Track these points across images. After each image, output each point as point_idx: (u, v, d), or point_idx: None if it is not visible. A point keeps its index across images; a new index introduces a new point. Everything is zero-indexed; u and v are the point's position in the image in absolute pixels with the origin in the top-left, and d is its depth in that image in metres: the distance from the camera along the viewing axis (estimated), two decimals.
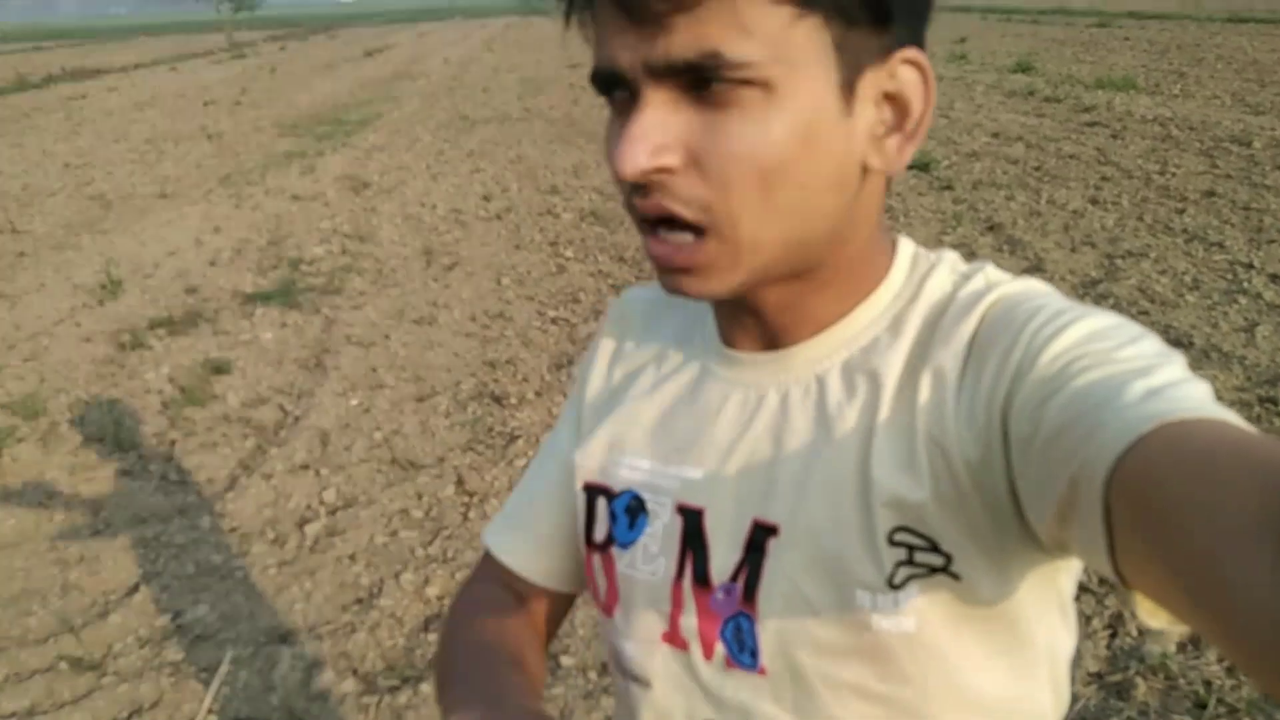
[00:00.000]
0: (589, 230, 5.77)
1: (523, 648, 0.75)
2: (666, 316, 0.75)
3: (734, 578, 0.63)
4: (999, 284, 0.60)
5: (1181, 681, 2.10)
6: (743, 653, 0.63)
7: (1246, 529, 0.35)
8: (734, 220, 0.53)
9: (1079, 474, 0.46)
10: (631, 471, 0.69)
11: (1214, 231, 4.93)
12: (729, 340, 0.68)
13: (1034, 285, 0.60)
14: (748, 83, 0.51)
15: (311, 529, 2.99)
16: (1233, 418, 0.44)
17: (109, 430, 3.64)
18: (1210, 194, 5.50)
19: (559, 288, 4.86)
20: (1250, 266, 4.44)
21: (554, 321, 4.47)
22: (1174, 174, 5.96)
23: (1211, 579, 0.36)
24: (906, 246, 0.66)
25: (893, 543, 0.57)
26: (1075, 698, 2.09)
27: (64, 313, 4.88)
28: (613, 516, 0.70)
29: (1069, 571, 0.62)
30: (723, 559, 0.64)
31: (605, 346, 0.78)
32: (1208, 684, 2.08)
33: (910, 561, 0.57)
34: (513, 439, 3.43)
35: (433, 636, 2.47)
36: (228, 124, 10.33)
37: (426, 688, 2.28)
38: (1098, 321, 0.54)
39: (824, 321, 0.63)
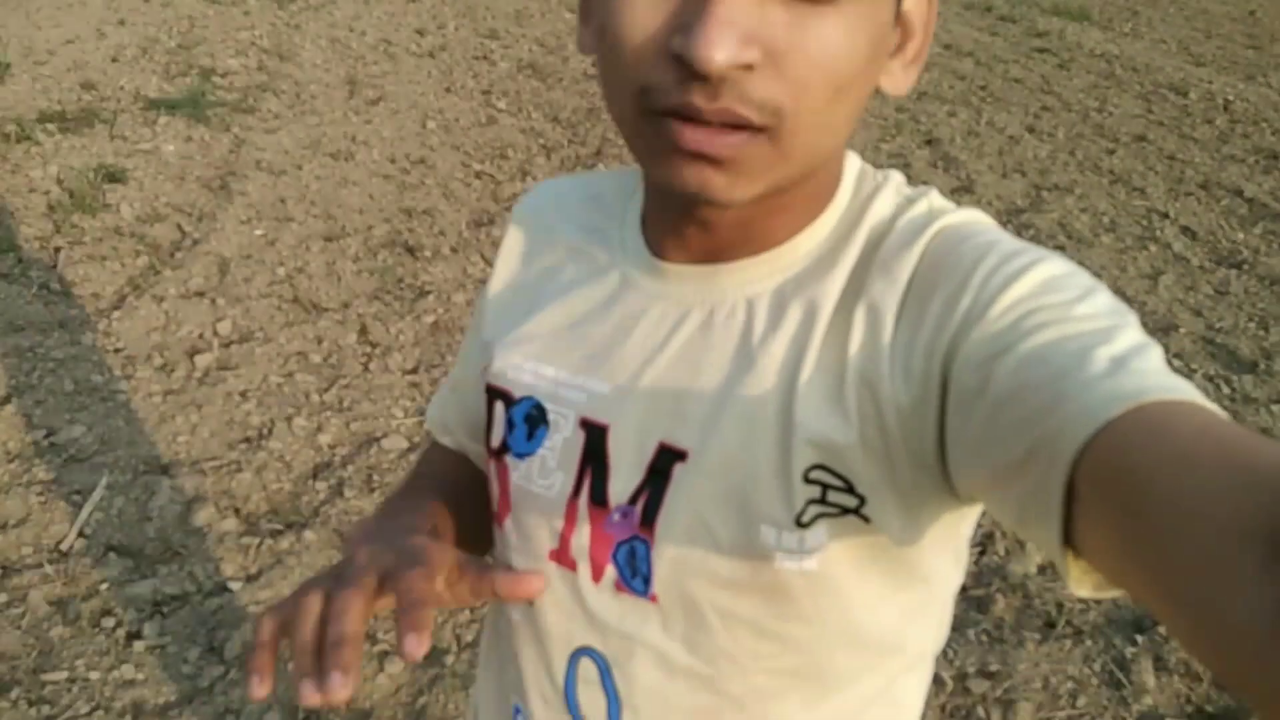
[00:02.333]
0: (525, 83, 5.52)
1: (457, 475, 0.76)
2: (582, 213, 0.70)
3: (633, 500, 0.60)
4: (943, 213, 0.58)
5: (1036, 601, 2.24)
6: (635, 578, 0.61)
7: (1232, 535, 0.34)
8: (796, 125, 0.49)
9: (1039, 446, 0.44)
10: (535, 379, 0.65)
11: (1138, 177, 5.03)
12: (658, 250, 0.63)
13: (978, 217, 0.59)
14: None
15: (202, 360, 2.87)
16: (1199, 396, 0.44)
17: None
18: (1141, 138, 5.58)
19: (487, 140, 4.67)
20: (1165, 216, 4.55)
21: (478, 175, 4.31)
22: (1110, 113, 6.02)
23: (1197, 586, 0.35)
24: (853, 163, 0.62)
25: (808, 480, 0.55)
26: None
27: None
28: (510, 424, 0.66)
29: (970, 516, 0.62)
30: (624, 480, 0.61)
31: (513, 239, 0.73)
32: (1059, 605, 2.22)
33: (823, 500, 0.56)
34: (423, 293, 3.33)
35: (321, 484, 2.43)
36: None
37: (311, 534, 2.26)
38: (1049, 268, 0.52)
39: (768, 241, 0.59)
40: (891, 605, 0.61)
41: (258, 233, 3.63)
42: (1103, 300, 0.51)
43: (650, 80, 0.49)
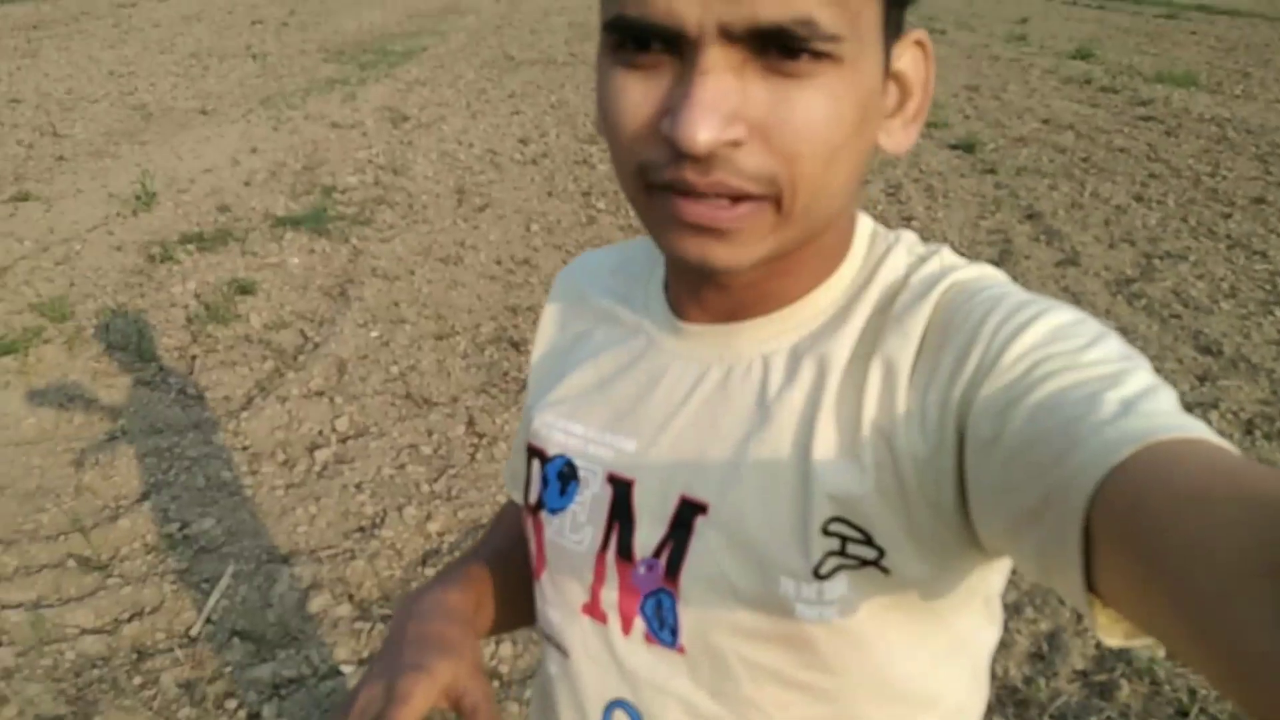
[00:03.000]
0: None
1: (505, 546, 0.80)
2: (612, 280, 0.74)
3: (657, 553, 0.62)
4: (954, 269, 0.59)
5: (1166, 688, 2.11)
6: (662, 630, 0.63)
7: (1249, 569, 0.34)
8: (793, 193, 0.51)
9: (1053, 492, 0.45)
10: (566, 436, 0.68)
11: (1258, 240, 4.83)
12: (679, 311, 0.66)
13: (989, 272, 0.60)
14: (827, 56, 0.49)
15: (321, 455, 3.03)
16: (1210, 433, 0.44)
17: (132, 340, 3.69)
18: (1259, 200, 5.38)
19: (588, 239, 4.85)
20: None
21: None
22: (1225, 177, 5.82)
23: (1215, 621, 0.35)
24: (865, 224, 0.64)
25: (826, 533, 0.56)
26: (1058, 693, 2.11)
27: (97, 220, 4.92)
28: (544, 481, 0.69)
29: (999, 569, 0.61)
30: (647, 533, 0.63)
31: (551, 308, 0.77)
32: (1192, 692, 2.08)
33: (842, 552, 0.56)
34: (526, 386, 3.44)
35: (430, 570, 2.51)
36: (273, 44, 10.29)
37: None
38: (1058, 317, 0.53)
39: (783, 300, 0.61)
40: (918, 657, 0.61)
41: (373, 334, 3.83)
42: (1113, 346, 0.51)
43: (646, 158, 0.52)
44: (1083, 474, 0.43)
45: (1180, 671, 2.14)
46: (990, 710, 2.06)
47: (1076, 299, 4.16)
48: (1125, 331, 3.85)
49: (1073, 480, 0.43)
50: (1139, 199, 5.47)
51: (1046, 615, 2.33)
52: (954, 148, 6.43)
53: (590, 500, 0.66)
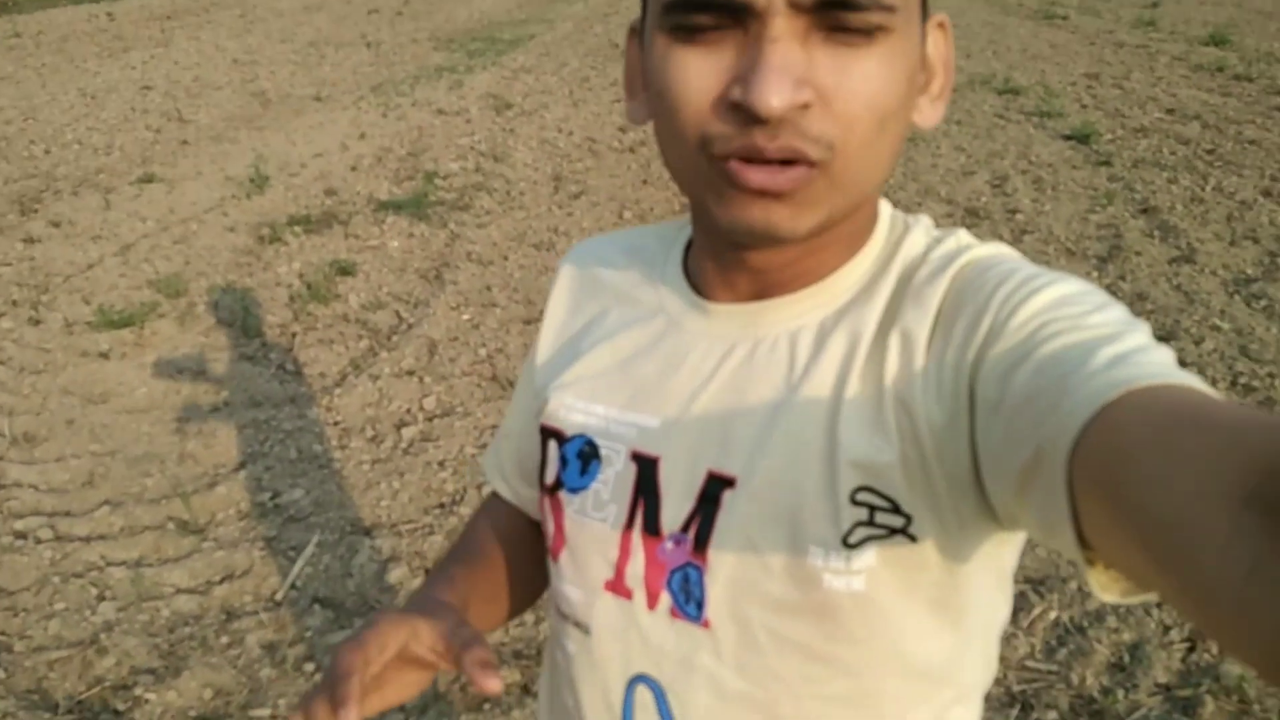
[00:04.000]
0: None
1: (486, 544, 0.80)
2: (625, 263, 0.74)
3: (685, 528, 0.63)
4: (970, 247, 0.61)
5: (1256, 708, 1.99)
6: (688, 604, 0.63)
7: (1208, 494, 0.34)
8: (847, 159, 0.53)
9: (1044, 443, 0.45)
10: (586, 417, 0.69)
11: None
12: (703, 292, 0.66)
13: (1004, 250, 0.61)
14: (882, 28, 0.52)
15: (408, 432, 3.13)
16: (1196, 382, 0.44)
17: (239, 316, 3.88)
18: None
19: None
20: None
21: None
22: None
23: (1176, 546, 0.35)
24: (885, 207, 0.66)
25: (855, 502, 0.57)
26: (1136, 705, 2.02)
27: (214, 202, 5.18)
28: (563, 461, 0.70)
29: (1012, 544, 0.62)
30: (674, 509, 0.63)
31: (560, 292, 0.78)
32: None
33: (870, 522, 0.57)
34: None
35: None
36: (387, 33, 10.60)
37: None
38: (1066, 287, 0.54)
39: (810, 278, 0.62)
40: (937, 633, 0.61)
41: (464, 317, 3.93)
42: (1116, 312, 0.52)
43: (712, 130, 0.53)
44: (1068, 422, 0.44)
45: (1273, 691, 2.02)
46: None
47: (1190, 298, 3.95)
48: (1241, 334, 3.64)
49: (1060, 430, 0.44)
50: (1267, 194, 5.14)
51: (1130, 625, 2.23)
52: (1068, 138, 6.16)
53: (614, 478, 0.67)
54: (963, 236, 0.62)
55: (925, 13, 0.57)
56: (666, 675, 0.66)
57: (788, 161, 0.52)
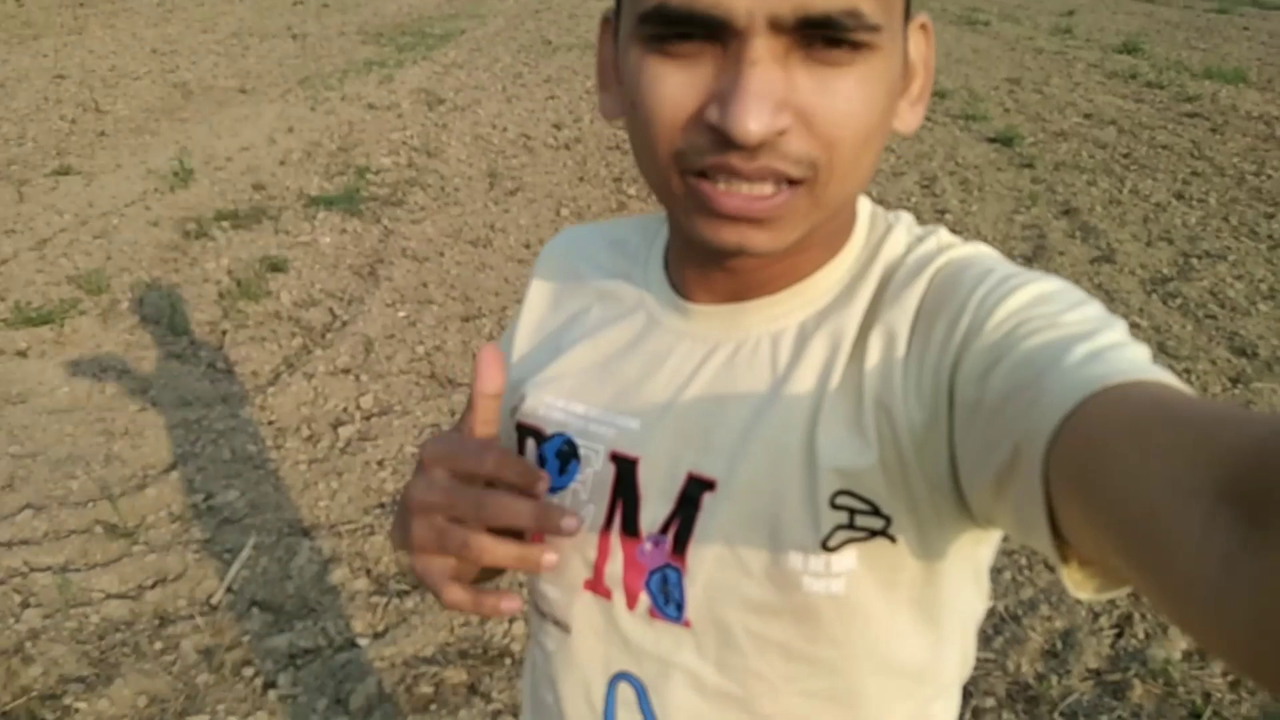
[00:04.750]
0: None
1: None
2: (607, 258, 0.73)
3: (664, 529, 0.63)
4: (949, 247, 0.61)
5: (1180, 690, 2.08)
6: (668, 604, 0.63)
7: (1182, 489, 0.35)
8: (830, 177, 0.53)
9: (1021, 440, 0.46)
10: (566, 415, 0.68)
11: None
12: (683, 291, 0.66)
13: (983, 250, 0.61)
14: (865, 45, 0.51)
15: (345, 431, 3.07)
16: (1171, 378, 0.44)
17: (165, 314, 3.76)
18: None
19: None
20: None
21: None
22: (1270, 176, 5.69)
23: (1150, 540, 0.36)
24: (865, 205, 0.65)
25: (835, 506, 0.57)
26: (1069, 691, 2.09)
27: (135, 195, 5.00)
28: (541, 459, 0.69)
29: (989, 541, 0.63)
30: (654, 510, 0.63)
31: (539, 285, 0.76)
32: (1206, 695, 2.06)
33: (850, 525, 0.57)
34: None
35: None
36: (313, 25, 10.38)
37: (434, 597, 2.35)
38: (1043, 286, 0.54)
39: (791, 279, 0.62)
40: (917, 631, 0.62)
41: (400, 314, 3.87)
42: (1093, 310, 0.52)
43: (686, 144, 0.52)
44: (1044, 420, 0.44)
45: (1195, 674, 2.11)
46: (1000, 706, 2.05)
47: (1110, 296, 4.09)
48: (1159, 331, 3.79)
49: (1036, 427, 0.45)
50: (1180, 197, 5.37)
51: (1062, 613, 2.31)
52: (992, 141, 6.34)
53: (592, 478, 0.66)
54: (943, 236, 0.62)
55: (908, 15, 0.57)
56: (647, 673, 0.66)
57: (765, 178, 0.51)
